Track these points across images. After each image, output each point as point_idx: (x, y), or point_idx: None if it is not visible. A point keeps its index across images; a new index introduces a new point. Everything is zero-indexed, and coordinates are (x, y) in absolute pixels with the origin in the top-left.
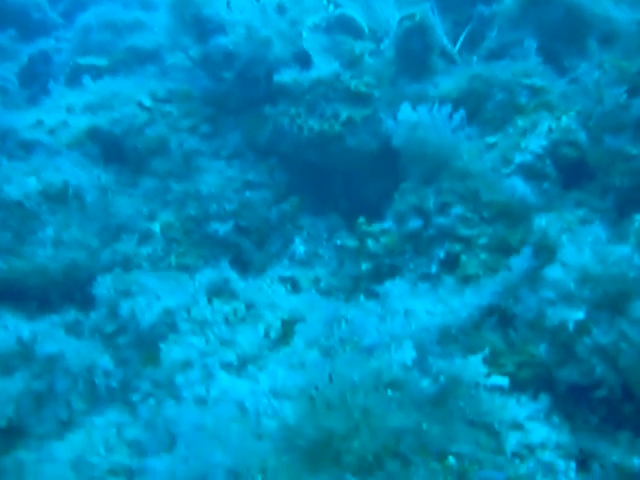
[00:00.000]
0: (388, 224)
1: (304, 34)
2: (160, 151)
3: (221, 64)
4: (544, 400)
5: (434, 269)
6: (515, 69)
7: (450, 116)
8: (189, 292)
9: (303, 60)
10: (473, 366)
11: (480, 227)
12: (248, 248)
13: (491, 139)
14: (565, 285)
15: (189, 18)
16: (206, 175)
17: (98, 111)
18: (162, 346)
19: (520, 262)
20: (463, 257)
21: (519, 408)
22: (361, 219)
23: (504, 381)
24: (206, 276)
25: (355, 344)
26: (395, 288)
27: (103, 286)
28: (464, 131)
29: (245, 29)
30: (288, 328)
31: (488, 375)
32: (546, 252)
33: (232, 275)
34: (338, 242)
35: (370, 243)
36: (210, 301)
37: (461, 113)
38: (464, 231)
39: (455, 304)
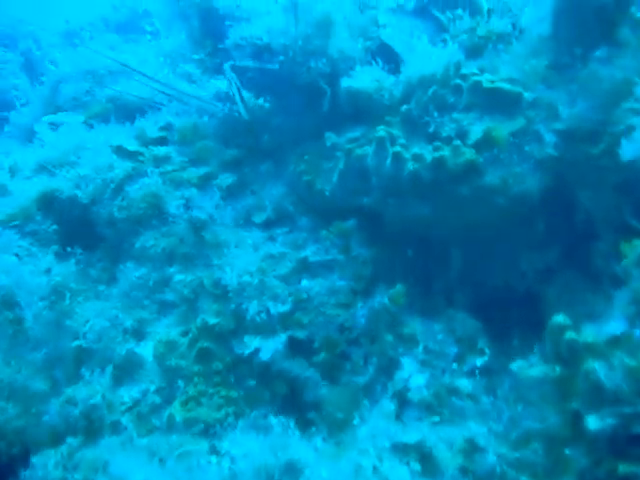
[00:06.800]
0: (620, 324)
1: (381, 19)
2: (152, 219)
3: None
4: None
5: None
6: None
7: None
8: None
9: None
10: None
11: None
12: (313, 380)
13: None
14: None
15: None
16: (232, 254)
17: (57, 170)
18: None
19: None
20: None
21: None
22: (559, 318)
23: None
24: (246, 451)
25: None
26: None
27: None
28: None
29: (285, 13)
30: None
31: None
32: None
33: (301, 450)
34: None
35: (602, 377)
36: None
37: None
38: None
39: None
